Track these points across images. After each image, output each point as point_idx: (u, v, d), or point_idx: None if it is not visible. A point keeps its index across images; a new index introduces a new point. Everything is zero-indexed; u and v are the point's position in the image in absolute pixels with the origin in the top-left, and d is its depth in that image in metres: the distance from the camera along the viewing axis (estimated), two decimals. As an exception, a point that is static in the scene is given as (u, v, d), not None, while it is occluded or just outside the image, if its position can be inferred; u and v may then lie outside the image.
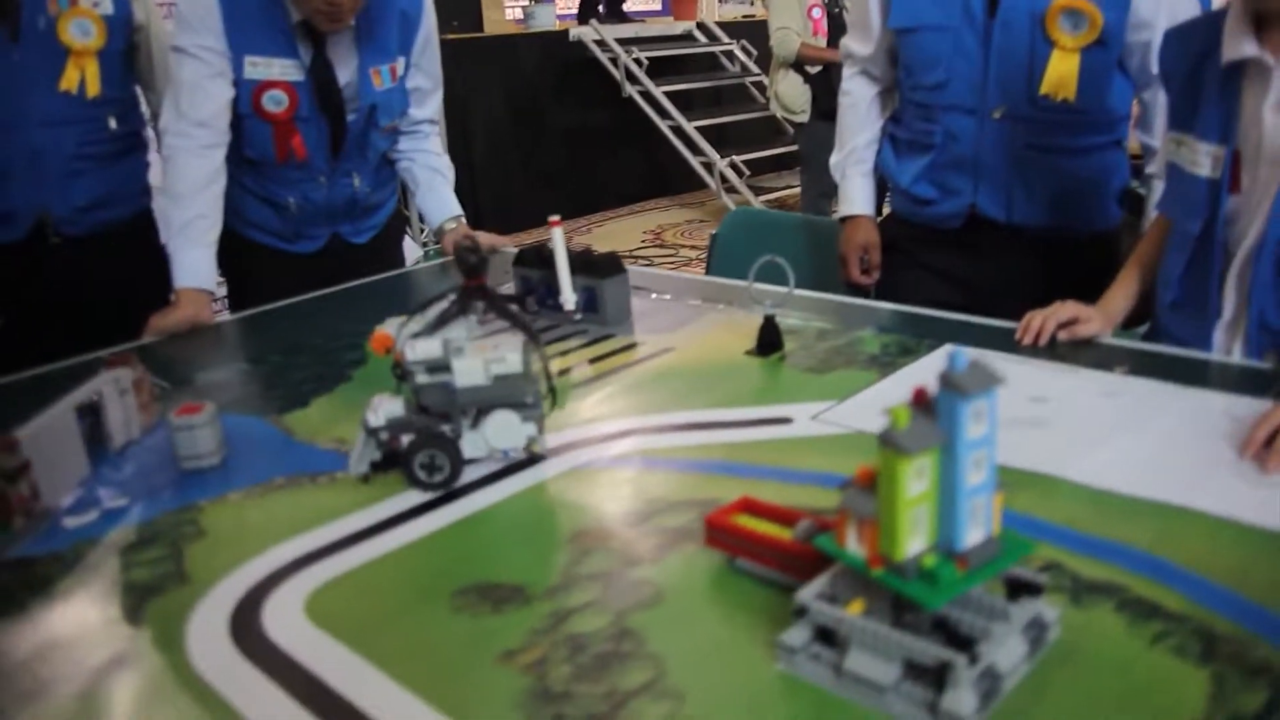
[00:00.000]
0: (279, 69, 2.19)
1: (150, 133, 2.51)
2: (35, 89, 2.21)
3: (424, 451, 1.23)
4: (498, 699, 0.85)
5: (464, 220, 2.48)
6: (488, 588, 1.01)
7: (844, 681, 0.81)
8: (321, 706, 0.85)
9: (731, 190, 7.62)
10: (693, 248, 6.74)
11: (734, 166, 7.69)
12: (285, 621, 0.98)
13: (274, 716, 0.85)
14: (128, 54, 2.39)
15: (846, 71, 2.32)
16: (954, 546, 0.77)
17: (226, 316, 2.19)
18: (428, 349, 1.24)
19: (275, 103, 2.19)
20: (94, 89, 2.28)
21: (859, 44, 2.26)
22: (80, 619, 1.02)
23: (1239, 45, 1.50)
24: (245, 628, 0.98)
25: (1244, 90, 1.51)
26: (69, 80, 2.25)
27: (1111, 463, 1.21)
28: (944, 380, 0.74)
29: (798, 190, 7.91)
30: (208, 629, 0.98)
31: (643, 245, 6.90)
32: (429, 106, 2.48)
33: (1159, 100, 2.07)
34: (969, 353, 0.76)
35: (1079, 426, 1.32)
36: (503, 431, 1.26)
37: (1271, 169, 1.48)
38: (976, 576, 0.78)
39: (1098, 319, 1.64)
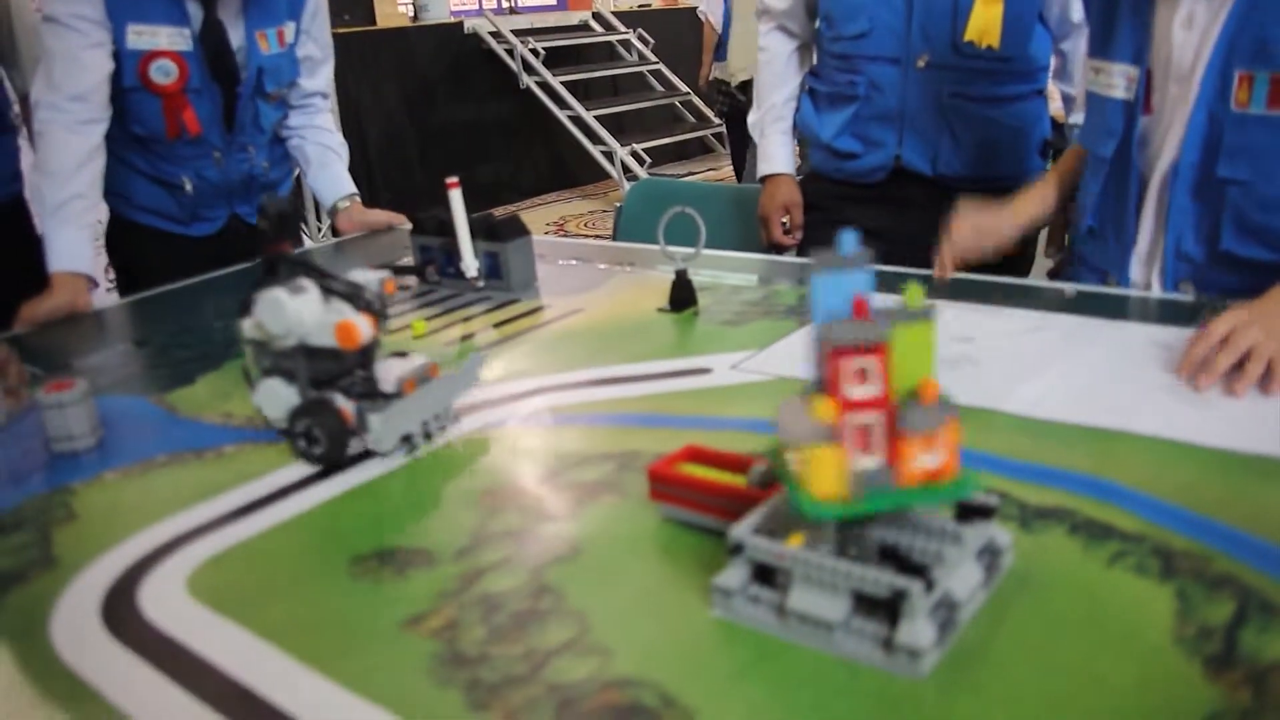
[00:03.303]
0: (165, 38, 2.04)
1: (17, 114, 2.36)
2: (-115, 71, 2.06)
3: (301, 421, 1.11)
4: (404, 667, 0.75)
5: (358, 199, 2.36)
6: (390, 553, 0.92)
7: (788, 622, 0.74)
8: (206, 688, 0.75)
9: (633, 179, 7.54)
10: (596, 238, 6.66)
11: (635, 155, 7.63)
12: (165, 601, 0.88)
13: (151, 702, 0.75)
14: None
15: (763, 27, 2.26)
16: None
17: (106, 304, 2.04)
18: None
19: (164, 74, 2.04)
20: None
21: None
22: (-72, 614, 0.90)
23: None
24: (119, 611, 0.87)
25: (1157, 9, 1.47)
26: None
27: (1046, 393, 1.16)
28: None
29: (698, 177, 7.92)
30: (76, 615, 0.87)
31: (546, 236, 6.79)
32: (320, 77, 2.35)
33: (1078, 50, 2.05)
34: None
35: (1009, 362, 1.27)
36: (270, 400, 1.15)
37: (1181, 87, 1.44)
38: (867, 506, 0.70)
39: (1003, 217, 1.60)
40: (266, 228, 1.16)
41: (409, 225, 2.14)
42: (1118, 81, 1.51)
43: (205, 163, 2.16)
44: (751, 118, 2.28)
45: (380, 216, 2.32)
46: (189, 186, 2.17)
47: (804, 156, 2.29)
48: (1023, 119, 2.06)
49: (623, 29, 8.87)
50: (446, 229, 1.74)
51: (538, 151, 8.31)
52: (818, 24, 2.15)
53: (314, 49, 2.30)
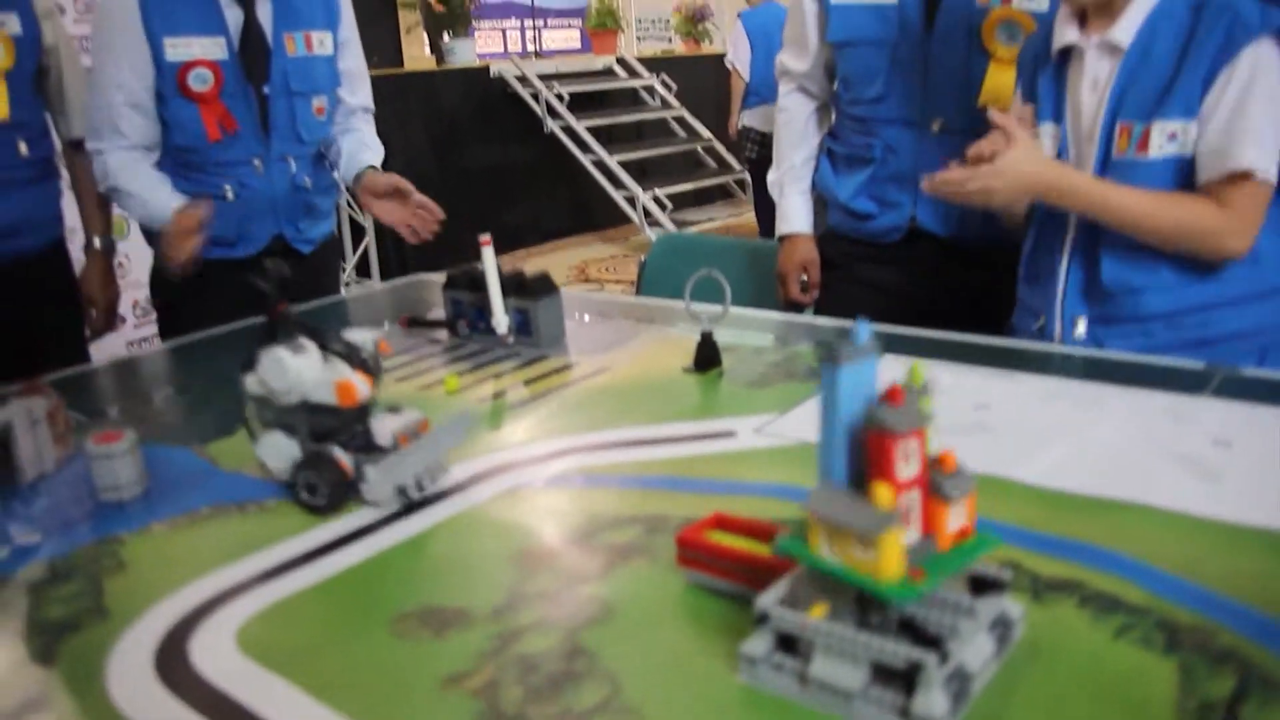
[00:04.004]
0: (199, 48, 2.18)
1: (59, 157, 2.46)
2: (-60, 112, 2.17)
3: (304, 473, 1.19)
4: (446, 724, 0.80)
5: (379, 167, 2.40)
6: (429, 611, 0.97)
7: (809, 690, 0.78)
8: (256, 740, 0.80)
9: (654, 224, 7.63)
10: (617, 282, 6.73)
11: (656, 200, 7.71)
12: (215, 654, 0.92)
13: (205, 753, 0.79)
14: (37, 77, 2.33)
15: (783, 88, 2.32)
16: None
17: (148, 348, 2.10)
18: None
19: (201, 80, 2.17)
20: (2, 112, 2.22)
21: (795, 60, 2.27)
22: (-10, 661, 0.95)
23: (1064, 34, 1.67)
24: (172, 662, 0.92)
25: (1069, 75, 1.68)
26: None
27: (1059, 463, 1.20)
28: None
29: (719, 223, 8.00)
30: (131, 665, 0.92)
31: (567, 281, 6.87)
32: (362, 92, 2.48)
33: None
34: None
35: (1024, 429, 1.31)
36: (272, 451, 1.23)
37: (1088, 144, 1.64)
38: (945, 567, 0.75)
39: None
40: (268, 289, 1.23)
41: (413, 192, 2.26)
42: (1045, 140, 1.70)
43: (246, 170, 2.26)
44: (771, 176, 2.34)
45: (387, 179, 2.33)
46: (231, 195, 2.25)
47: (822, 215, 2.34)
48: None
49: (646, 74, 8.98)
50: (478, 284, 1.79)
51: (561, 195, 8.40)
52: (836, 86, 2.21)
53: (354, 62, 2.43)
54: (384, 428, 1.21)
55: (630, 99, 8.99)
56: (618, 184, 7.81)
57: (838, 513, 0.76)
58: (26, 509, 1.27)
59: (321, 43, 2.34)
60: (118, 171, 2.19)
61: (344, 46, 2.40)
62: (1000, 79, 1.97)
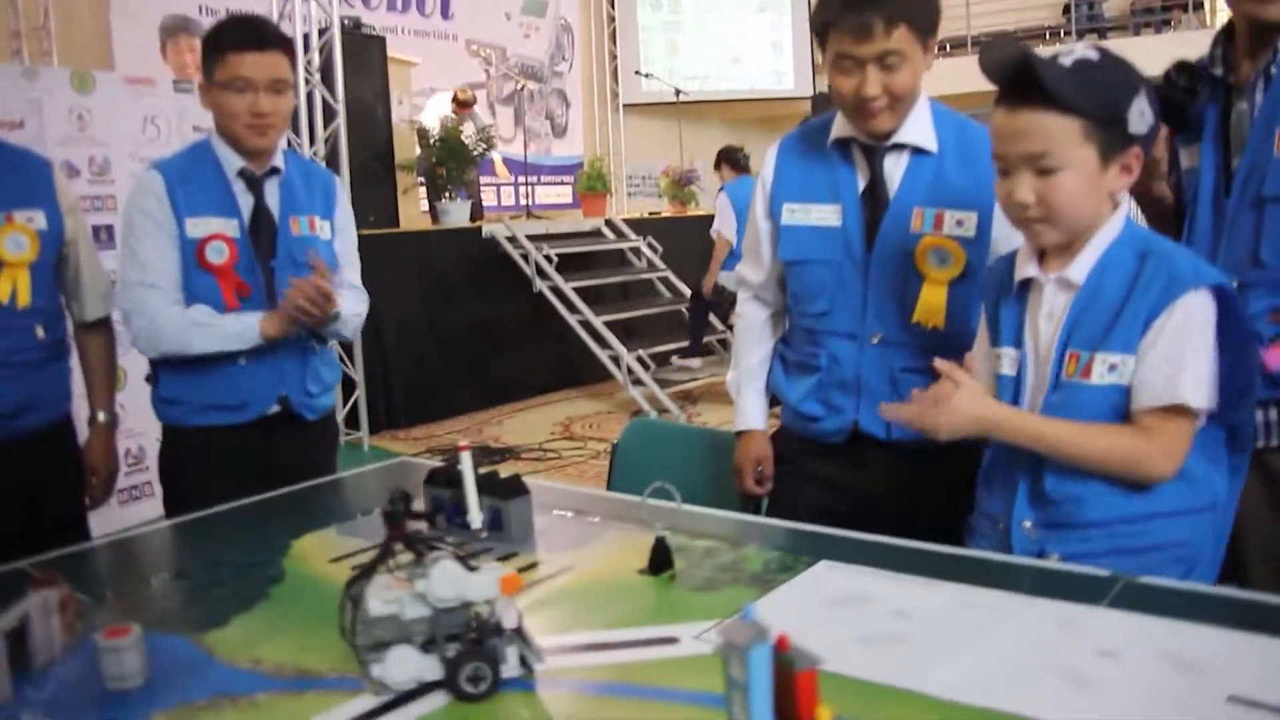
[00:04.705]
0: (216, 226, 2.47)
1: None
2: (-35, 299, 2.37)
3: (468, 666, 1.34)
4: None
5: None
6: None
7: None
8: None
9: (637, 382, 7.83)
10: (600, 440, 6.90)
11: (640, 360, 7.93)
12: None
13: None
14: (57, 266, 2.54)
15: (741, 296, 2.54)
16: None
17: (149, 526, 2.25)
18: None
19: (218, 253, 2.46)
20: (24, 300, 2.42)
21: (752, 272, 2.49)
22: None
23: (1025, 268, 1.87)
24: None
25: (1028, 304, 1.89)
26: (0, 291, 2.38)
27: (963, 674, 1.34)
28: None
29: (700, 382, 8.23)
30: None
31: (552, 438, 7.05)
32: (355, 271, 2.79)
33: None
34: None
35: (938, 639, 1.46)
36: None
37: (1043, 366, 1.84)
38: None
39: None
40: (398, 510, 1.44)
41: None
42: (1005, 363, 1.90)
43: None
44: (729, 376, 2.55)
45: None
46: (243, 360, 2.49)
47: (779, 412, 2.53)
48: None
49: (633, 236, 9.32)
50: (455, 481, 1.96)
51: (548, 351, 8.64)
52: (788, 299, 2.43)
53: (348, 247, 2.75)
54: (509, 612, 1.38)
55: (617, 260, 9.32)
56: (603, 343, 8.04)
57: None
58: (37, 695, 1.40)
59: (322, 228, 2.63)
60: (177, 317, 2.45)
61: (339, 232, 2.71)
62: (933, 299, 2.19)
